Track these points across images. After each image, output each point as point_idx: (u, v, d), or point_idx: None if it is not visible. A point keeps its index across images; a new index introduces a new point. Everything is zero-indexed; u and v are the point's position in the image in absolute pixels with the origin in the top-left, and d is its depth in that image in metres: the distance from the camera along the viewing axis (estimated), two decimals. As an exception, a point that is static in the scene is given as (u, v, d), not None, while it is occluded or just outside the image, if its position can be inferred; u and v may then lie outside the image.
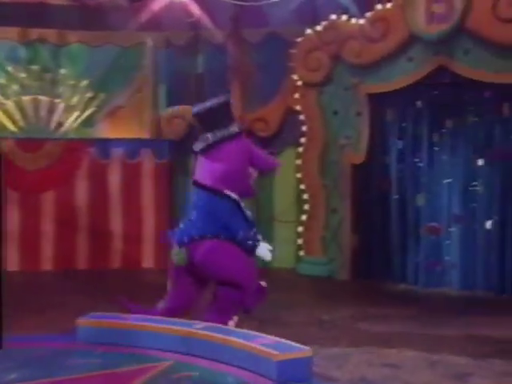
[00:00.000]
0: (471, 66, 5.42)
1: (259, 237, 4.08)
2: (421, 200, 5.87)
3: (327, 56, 6.17)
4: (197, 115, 4.29)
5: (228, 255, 4.01)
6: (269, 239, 6.95)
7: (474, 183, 5.63)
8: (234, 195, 4.05)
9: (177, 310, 4.04)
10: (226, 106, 4.22)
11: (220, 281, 4.04)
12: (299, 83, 6.38)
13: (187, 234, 4.04)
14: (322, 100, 6.29)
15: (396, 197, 5.98)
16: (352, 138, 6.09)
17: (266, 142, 7.04)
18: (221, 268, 4.02)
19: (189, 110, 6.95)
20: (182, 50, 7.15)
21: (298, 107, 6.43)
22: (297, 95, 6.42)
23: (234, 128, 4.10)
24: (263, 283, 4.12)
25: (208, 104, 4.26)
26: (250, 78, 6.84)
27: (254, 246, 4.03)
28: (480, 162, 5.59)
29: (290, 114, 6.70)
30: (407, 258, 5.93)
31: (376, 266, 6.07)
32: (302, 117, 6.40)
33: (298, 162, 6.46)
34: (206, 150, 4.24)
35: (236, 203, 4.05)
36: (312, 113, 6.32)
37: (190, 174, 7.06)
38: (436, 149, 5.84)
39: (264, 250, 4.09)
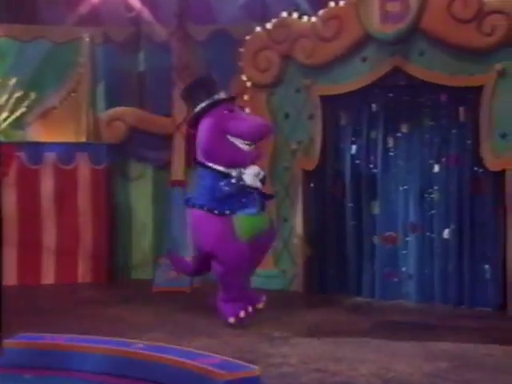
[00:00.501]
0: (427, 68, 5.54)
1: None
2: (376, 208, 5.96)
3: (277, 55, 6.20)
4: (183, 91, 5.03)
5: (207, 227, 4.61)
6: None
7: (431, 190, 5.73)
8: (218, 166, 4.66)
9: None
10: (209, 80, 4.89)
11: (202, 252, 4.77)
12: (248, 84, 6.39)
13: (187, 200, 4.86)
14: (273, 102, 6.31)
15: (350, 204, 6.05)
16: (304, 143, 6.10)
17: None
18: (199, 239, 4.75)
19: (129, 112, 6.96)
20: (121, 47, 7.07)
21: (247, 110, 6.38)
22: (246, 97, 6.42)
23: (213, 98, 4.71)
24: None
25: (193, 80, 5.02)
26: (195, 77, 6.76)
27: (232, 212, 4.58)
28: (436, 168, 5.70)
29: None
30: (363, 269, 6.00)
31: (330, 277, 6.12)
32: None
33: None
34: (194, 124, 4.91)
35: (222, 174, 4.61)
36: (261, 115, 6.27)
37: (131, 180, 7.12)
38: (391, 154, 5.95)
39: (249, 178, 4.64)
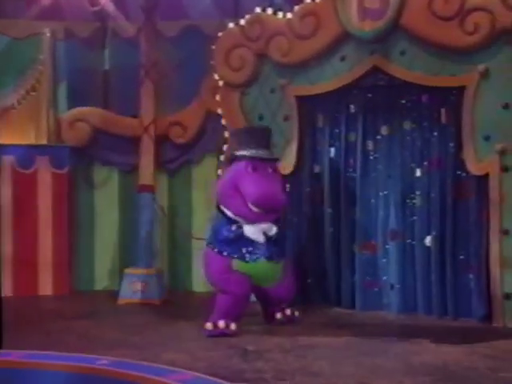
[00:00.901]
0: (407, 68, 5.57)
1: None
2: (355, 214, 5.98)
3: (251, 54, 6.18)
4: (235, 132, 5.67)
5: (209, 261, 5.22)
6: (186, 260, 7.08)
7: (412, 195, 5.77)
8: (227, 211, 5.15)
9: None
10: (264, 132, 5.41)
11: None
12: (220, 83, 6.37)
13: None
14: (246, 103, 6.29)
15: (329, 210, 6.07)
16: (279, 146, 6.10)
17: (183, 150, 7.03)
18: (205, 272, 5.35)
19: (94, 112, 6.89)
20: (85, 43, 7.01)
21: (219, 111, 6.41)
22: (218, 97, 6.41)
23: (252, 152, 5.12)
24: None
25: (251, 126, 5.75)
26: (164, 76, 6.79)
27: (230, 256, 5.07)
28: (418, 172, 5.75)
29: (211, 118, 6.69)
30: (342, 279, 6.02)
31: (309, 288, 6.12)
32: (223, 121, 6.38)
33: (220, 172, 6.42)
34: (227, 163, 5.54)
35: (229, 219, 5.10)
36: (235, 117, 6.31)
37: (96, 186, 7.06)
38: (371, 157, 5.98)
39: (251, 232, 5.07)
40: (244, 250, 5.12)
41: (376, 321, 5.55)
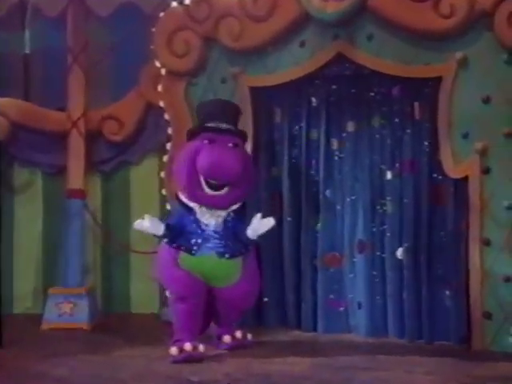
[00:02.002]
0: (376, 55, 5.62)
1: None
2: (318, 222, 6.02)
3: (198, 37, 6.17)
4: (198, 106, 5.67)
5: (159, 253, 5.35)
6: (123, 277, 7.03)
7: (382, 201, 5.83)
8: (181, 195, 5.31)
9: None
10: (221, 105, 5.48)
11: None
12: (162, 72, 6.34)
13: None
14: (192, 94, 6.26)
15: (288, 219, 6.09)
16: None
17: (119, 149, 6.99)
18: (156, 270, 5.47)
19: (12, 104, 6.78)
20: (2, 24, 6.87)
21: (161, 103, 6.38)
22: (160, 87, 6.38)
23: (215, 125, 5.29)
24: None
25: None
26: (96, 62, 6.73)
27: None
28: (389, 175, 5.81)
29: (152, 111, 6.67)
30: (302, 298, 6.04)
31: (264, 308, 6.13)
32: (166, 116, 6.35)
33: (163, 174, 6.39)
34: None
35: (185, 207, 5.27)
36: (179, 111, 6.28)
37: (15, 191, 6.94)
38: (336, 158, 6.02)
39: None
40: (193, 242, 5.18)
41: (341, 345, 5.56)
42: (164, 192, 6.41)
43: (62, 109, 6.76)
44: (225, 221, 5.27)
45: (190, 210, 5.26)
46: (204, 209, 5.23)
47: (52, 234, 6.90)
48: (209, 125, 5.31)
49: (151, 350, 5.36)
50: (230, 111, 5.46)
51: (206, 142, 5.24)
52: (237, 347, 5.36)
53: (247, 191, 5.40)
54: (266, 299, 6.10)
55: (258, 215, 5.19)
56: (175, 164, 5.48)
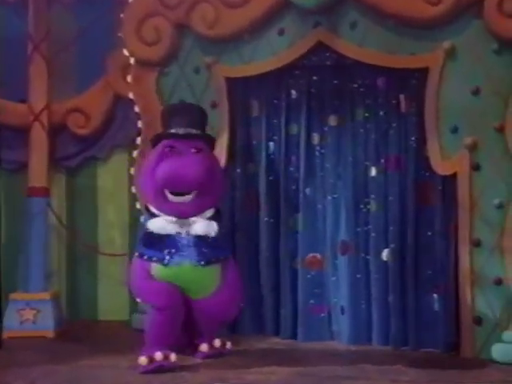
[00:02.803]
0: (359, 44, 5.64)
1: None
2: (298, 223, 6.03)
3: (169, 24, 6.17)
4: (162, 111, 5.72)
5: (132, 270, 5.39)
6: (90, 281, 7.02)
7: (366, 199, 5.86)
8: (149, 206, 5.39)
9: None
10: (182, 108, 5.60)
11: None
12: (131, 61, 6.34)
13: None
14: (164, 85, 6.27)
15: (266, 219, 6.10)
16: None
17: (85, 143, 6.96)
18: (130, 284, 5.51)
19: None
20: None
21: (130, 95, 6.38)
22: (129, 78, 6.37)
23: (171, 130, 5.38)
24: None
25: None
26: (59, 51, 6.70)
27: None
28: (373, 172, 5.84)
29: (120, 103, 6.65)
30: (281, 303, 6.06)
31: (240, 314, 6.07)
32: (136, 108, 6.35)
33: (133, 171, 6.39)
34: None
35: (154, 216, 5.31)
36: (150, 103, 6.28)
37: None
38: (317, 153, 6.04)
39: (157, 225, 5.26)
40: (166, 252, 5.19)
41: (322, 353, 5.58)
42: (134, 190, 6.40)
43: (23, 101, 6.74)
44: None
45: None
46: (174, 218, 5.23)
47: (12, 234, 6.85)
48: (170, 131, 5.36)
49: (120, 359, 5.36)
50: (193, 115, 5.47)
51: (167, 149, 5.29)
52: (214, 356, 5.37)
53: (216, 197, 5.41)
54: (241, 305, 6.11)
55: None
56: (140, 176, 5.53)
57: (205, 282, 5.27)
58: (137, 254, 5.31)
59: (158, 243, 5.22)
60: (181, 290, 5.22)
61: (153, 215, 5.31)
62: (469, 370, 5.06)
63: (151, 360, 5.04)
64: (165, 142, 5.33)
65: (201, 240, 5.23)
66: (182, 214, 5.22)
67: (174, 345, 5.23)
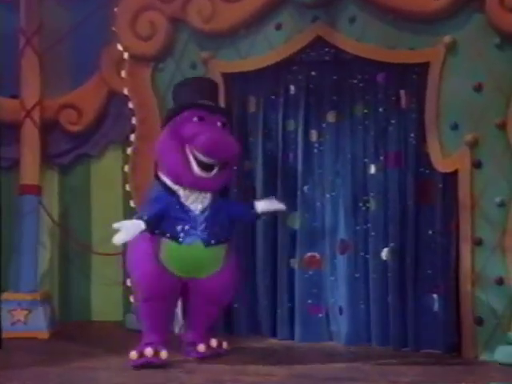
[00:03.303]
0: (358, 39, 5.65)
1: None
2: (296, 221, 6.03)
3: (165, 18, 6.17)
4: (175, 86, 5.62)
5: (134, 243, 5.14)
6: (83, 282, 7.00)
7: (365, 197, 5.86)
8: (166, 179, 5.24)
9: None
10: (203, 83, 5.55)
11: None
12: (125, 56, 6.34)
13: None
14: (159, 81, 6.28)
15: (263, 217, 6.02)
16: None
17: (78, 140, 6.96)
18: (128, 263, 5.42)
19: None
20: None
21: (124, 90, 6.38)
22: (123, 73, 6.38)
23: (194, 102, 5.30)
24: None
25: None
26: (52, 45, 6.71)
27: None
28: (372, 169, 5.84)
29: (114, 99, 6.68)
30: (278, 303, 6.06)
31: (236, 314, 6.15)
32: (130, 104, 6.35)
33: (127, 168, 6.38)
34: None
35: (167, 190, 5.21)
36: (145, 99, 6.29)
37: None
38: (315, 151, 6.04)
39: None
40: (179, 228, 5.14)
41: (320, 354, 5.58)
42: (128, 188, 6.40)
43: (15, 96, 6.74)
44: (210, 205, 5.27)
45: (173, 193, 5.21)
46: (188, 192, 5.19)
47: (3, 233, 6.82)
48: (195, 101, 5.30)
49: (114, 361, 5.35)
50: (214, 89, 5.53)
51: (195, 119, 5.24)
52: (211, 356, 5.37)
53: (232, 174, 5.56)
54: (236, 305, 6.12)
55: (273, 199, 5.57)
56: (158, 143, 5.36)
57: (212, 261, 5.27)
58: (143, 226, 5.01)
59: (172, 218, 5.14)
60: (183, 273, 5.18)
61: (165, 187, 5.21)
62: (470, 371, 5.06)
63: (141, 355, 5.07)
64: (193, 112, 5.25)
65: (213, 218, 5.23)
66: (204, 188, 5.20)
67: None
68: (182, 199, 5.18)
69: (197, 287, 5.29)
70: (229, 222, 5.38)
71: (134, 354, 5.08)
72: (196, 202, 5.21)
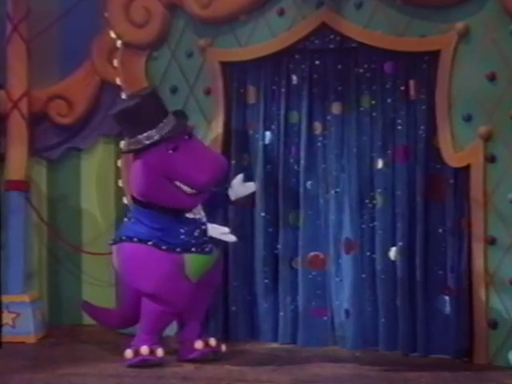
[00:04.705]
0: (365, 26, 5.64)
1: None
2: (298, 219, 6.02)
3: (160, 4, 6.18)
4: (119, 113, 5.39)
5: (152, 264, 5.33)
6: (73, 283, 7.01)
7: (372, 194, 5.84)
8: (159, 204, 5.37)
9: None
10: (154, 101, 5.38)
11: (140, 293, 5.47)
12: (118, 44, 6.34)
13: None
14: (154, 70, 6.29)
15: (263, 214, 6.10)
16: (200, 127, 6.09)
17: (68, 133, 6.97)
18: (139, 278, 5.42)
19: None
20: None
21: (117, 80, 6.39)
22: (115, 62, 6.38)
23: (160, 133, 5.26)
24: None
25: (131, 101, 5.40)
26: (40, 32, 6.69)
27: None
28: (380, 164, 5.82)
29: (106, 90, 6.66)
30: (279, 305, 6.05)
31: (233, 318, 6.15)
32: (123, 94, 6.32)
33: (119, 163, 6.38)
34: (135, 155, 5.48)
35: (168, 211, 5.36)
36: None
37: None
38: (319, 144, 6.03)
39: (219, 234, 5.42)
40: (194, 240, 5.39)
41: (325, 360, 5.57)
42: (121, 184, 6.40)
43: (1, 86, 6.68)
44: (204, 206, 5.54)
45: (177, 211, 5.41)
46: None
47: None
48: (162, 134, 5.28)
49: (105, 367, 5.36)
50: (159, 98, 5.50)
51: (170, 152, 5.30)
52: (208, 355, 5.44)
53: None
54: (233, 308, 6.13)
55: (239, 176, 5.63)
56: (139, 184, 5.39)
57: (215, 260, 5.56)
58: (164, 247, 5.32)
59: (185, 231, 5.39)
60: (199, 277, 5.44)
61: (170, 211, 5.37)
62: (482, 377, 5.06)
63: (137, 353, 5.20)
64: (162, 147, 5.28)
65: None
66: (200, 202, 5.46)
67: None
68: (187, 214, 5.41)
69: (205, 280, 5.51)
70: None
71: (129, 353, 5.22)
72: (197, 210, 5.46)
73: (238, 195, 5.68)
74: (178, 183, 5.32)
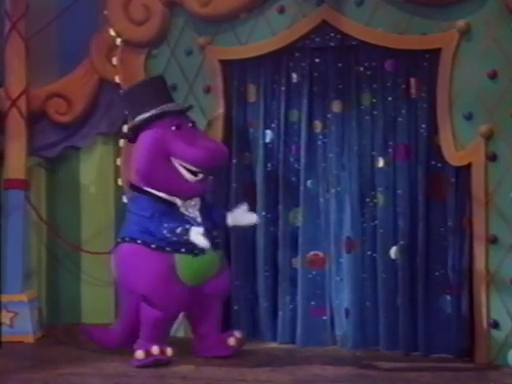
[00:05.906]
0: (366, 24, 5.65)
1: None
2: (298, 218, 6.02)
3: (160, 1, 6.18)
4: (124, 95, 5.73)
5: (142, 264, 5.31)
6: (72, 282, 7.01)
7: (373, 192, 5.85)
8: (158, 193, 5.37)
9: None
10: (158, 83, 5.59)
11: (135, 295, 5.43)
12: (118, 42, 6.35)
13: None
14: (153, 68, 6.28)
15: (263, 213, 6.09)
16: (198, 126, 6.08)
17: (67, 131, 6.97)
18: (131, 279, 5.41)
19: None
20: None
21: (116, 78, 6.38)
22: (114, 60, 6.38)
23: (161, 108, 5.39)
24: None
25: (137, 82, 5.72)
26: (39, 30, 6.69)
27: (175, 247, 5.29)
28: (380, 163, 5.83)
29: (105, 88, 6.66)
30: (279, 304, 6.06)
31: (234, 317, 6.14)
32: (122, 93, 6.31)
33: (119, 161, 6.39)
34: (132, 137, 5.58)
35: (162, 202, 5.35)
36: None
37: None
38: (319, 142, 6.03)
39: (196, 237, 5.18)
40: (187, 239, 5.26)
41: (325, 359, 5.56)
42: (120, 182, 6.40)
43: (-1, 85, 6.74)
44: (201, 209, 5.50)
45: (172, 204, 5.40)
46: (183, 200, 5.41)
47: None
48: (164, 109, 5.43)
49: (104, 366, 5.36)
50: (166, 87, 5.67)
51: (173, 128, 5.39)
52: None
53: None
54: (235, 307, 6.13)
55: (244, 205, 5.55)
56: (138, 158, 5.45)
57: (216, 262, 5.53)
58: (154, 245, 5.32)
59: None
60: (196, 281, 5.40)
61: (164, 201, 5.37)
62: (483, 376, 5.06)
63: (148, 354, 5.25)
64: (166, 121, 5.40)
65: (206, 221, 5.44)
66: (199, 193, 5.47)
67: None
68: (182, 209, 5.40)
69: (203, 291, 5.47)
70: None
71: (140, 354, 5.27)
72: (192, 209, 5.44)
73: (236, 222, 5.60)
74: (177, 164, 5.35)
